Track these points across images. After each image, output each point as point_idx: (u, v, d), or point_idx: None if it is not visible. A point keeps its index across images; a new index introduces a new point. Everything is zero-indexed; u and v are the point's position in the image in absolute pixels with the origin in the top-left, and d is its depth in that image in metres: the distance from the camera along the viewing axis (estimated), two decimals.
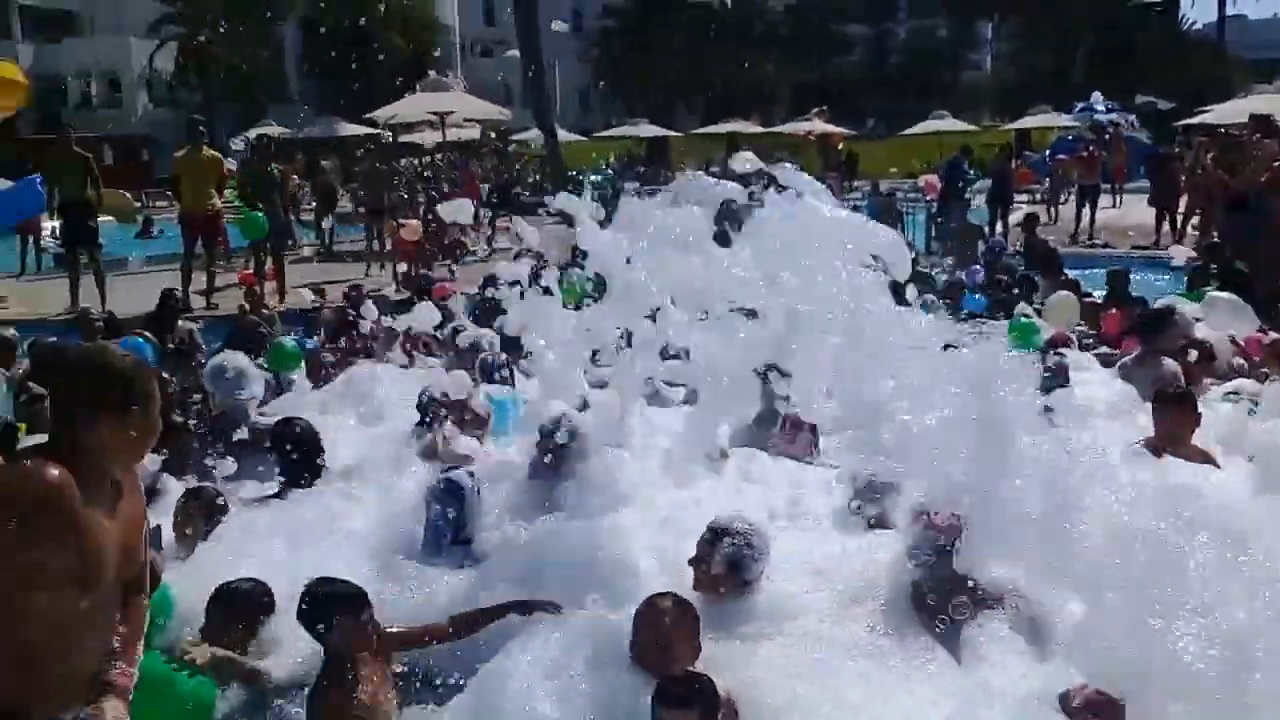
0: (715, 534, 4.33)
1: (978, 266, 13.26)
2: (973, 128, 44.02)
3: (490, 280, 9.97)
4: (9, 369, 8.70)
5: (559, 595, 4.37)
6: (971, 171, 20.94)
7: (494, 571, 4.86)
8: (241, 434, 6.61)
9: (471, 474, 5.37)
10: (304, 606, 4.06)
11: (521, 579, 4.68)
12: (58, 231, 15.20)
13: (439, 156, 24.49)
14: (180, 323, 10.47)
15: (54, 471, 2.56)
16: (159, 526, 4.78)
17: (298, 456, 5.97)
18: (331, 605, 4.02)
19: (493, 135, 21.04)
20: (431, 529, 5.15)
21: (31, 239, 18.40)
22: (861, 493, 5.20)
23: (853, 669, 3.99)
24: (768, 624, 4.25)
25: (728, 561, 4.25)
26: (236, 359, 7.41)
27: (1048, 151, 30.94)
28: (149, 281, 15.04)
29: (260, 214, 13.62)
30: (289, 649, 4.42)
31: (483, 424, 6.76)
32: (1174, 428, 5.80)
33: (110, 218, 18.15)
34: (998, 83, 70.41)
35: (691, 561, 4.35)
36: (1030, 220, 16.41)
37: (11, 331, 9.44)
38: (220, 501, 5.47)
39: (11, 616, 2.58)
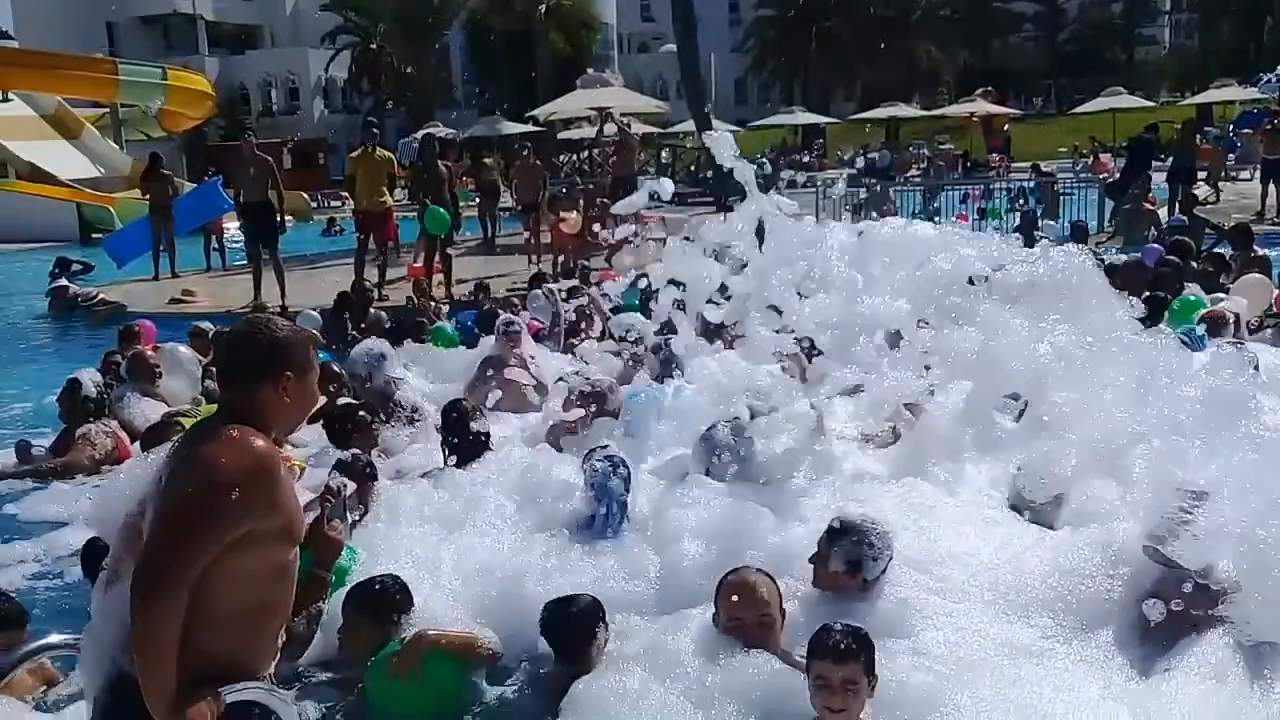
0: (835, 532, 4.26)
1: (1156, 245, 12.69)
2: (1150, 103, 42.01)
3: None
4: (206, 356, 9.35)
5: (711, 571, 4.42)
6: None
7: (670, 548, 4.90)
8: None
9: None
10: (549, 625, 4.15)
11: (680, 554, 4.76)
12: (240, 230, 16.08)
13: (596, 151, 24.82)
14: (372, 311, 11.06)
15: (260, 441, 2.74)
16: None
17: (463, 436, 6.12)
18: (577, 626, 4.11)
19: (615, 128, 21.14)
20: (618, 504, 5.18)
21: (215, 238, 19.60)
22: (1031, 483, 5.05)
23: (1007, 670, 3.82)
24: (909, 619, 4.13)
25: (847, 560, 4.18)
26: (377, 345, 7.70)
27: (1230, 126, 29.27)
28: (326, 275, 15.80)
29: (443, 210, 14.05)
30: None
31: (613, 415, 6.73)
32: None
33: (289, 218, 19.06)
34: (1176, 56, 66.96)
35: (812, 559, 4.31)
36: (1189, 201, 15.71)
37: (208, 324, 10.14)
38: (370, 470, 5.55)
39: (247, 578, 2.75)
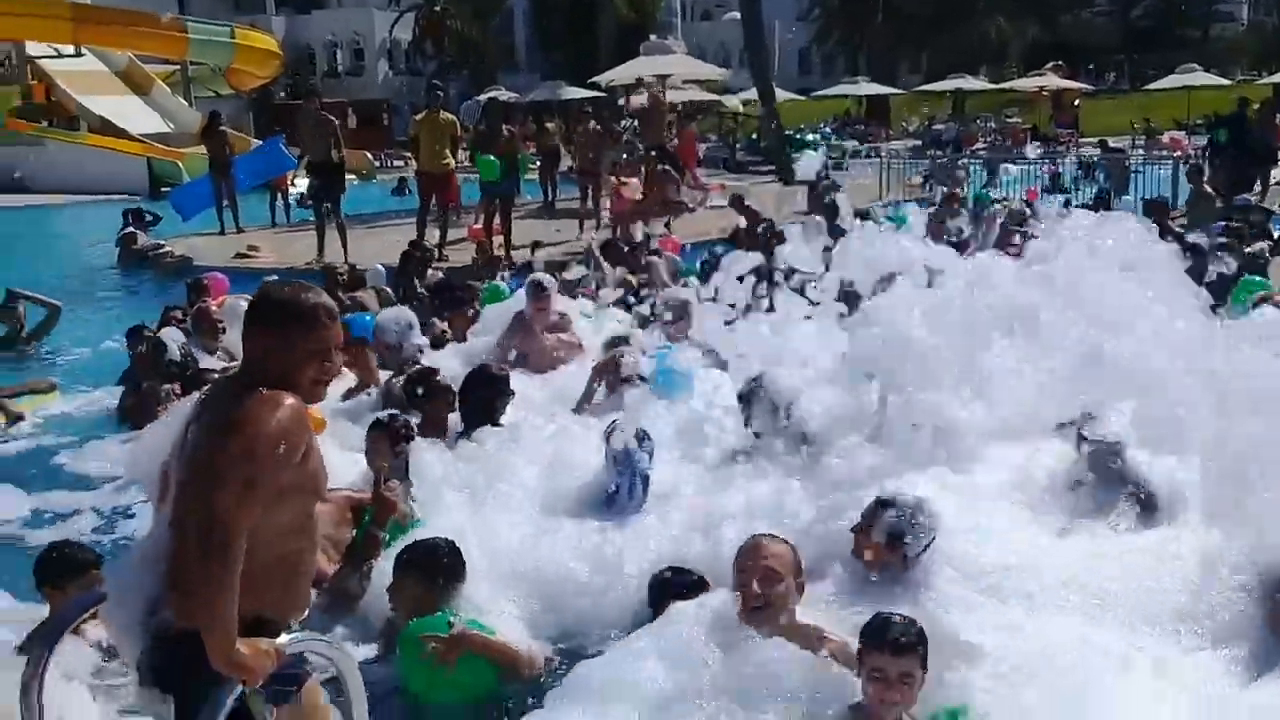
0: (881, 504, 4.22)
1: (1219, 225, 12.39)
2: (1226, 81, 40.90)
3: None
4: None
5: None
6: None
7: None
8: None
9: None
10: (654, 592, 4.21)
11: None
12: (305, 188, 16.24)
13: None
14: (430, 271, 11.16)
15: (289, 397, 2.78)
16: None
17: (478, 403, 6.01)
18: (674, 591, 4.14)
19: (646, 97, 20.90)
20: (642, 478, 5.13)
21: (280, 194, 19.84)
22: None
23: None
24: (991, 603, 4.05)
25: (890, 533, 4.13)
26: (404, 313, 7.75)
27: None
28: (388, 234, 15.93)
29: (492, 158, 14.21)
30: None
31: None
32: None
33: (352, 176, 19.19)
34: (1254, 33, 65.04)
35: (854, 529, 4.26)
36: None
37: (273, 279, 10.26)
38: (406, 431, 5.42)
39: (281, 530, 2.82)
